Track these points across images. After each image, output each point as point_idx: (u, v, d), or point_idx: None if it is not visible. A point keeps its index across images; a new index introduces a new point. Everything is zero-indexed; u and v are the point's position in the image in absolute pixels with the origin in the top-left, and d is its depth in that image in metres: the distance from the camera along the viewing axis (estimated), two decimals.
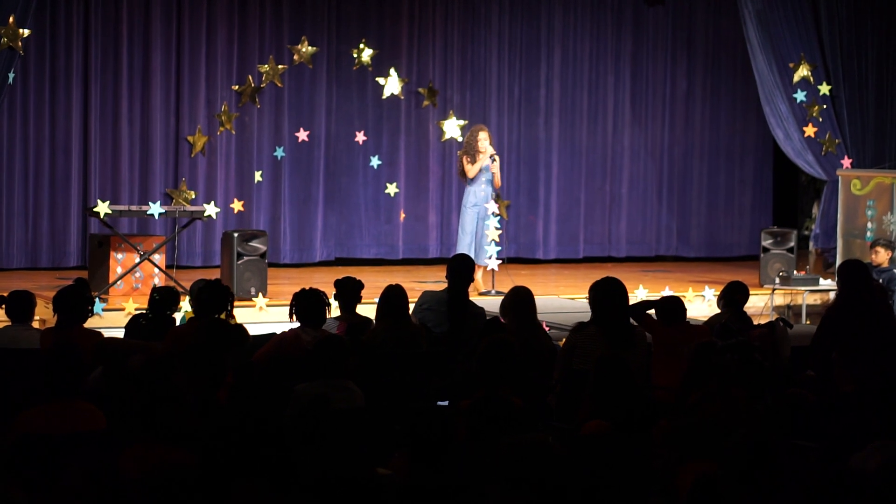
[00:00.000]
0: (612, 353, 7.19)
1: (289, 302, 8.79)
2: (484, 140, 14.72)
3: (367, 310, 9.70)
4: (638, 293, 14.59)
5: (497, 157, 14.87)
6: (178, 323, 9.26)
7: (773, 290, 15.01)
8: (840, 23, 17.40)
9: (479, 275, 14.52)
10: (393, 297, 9.13)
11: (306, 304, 8.60)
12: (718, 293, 10.24)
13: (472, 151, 14.74)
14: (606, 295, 8.32)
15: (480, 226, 14.74)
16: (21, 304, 9.03)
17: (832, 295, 14.04)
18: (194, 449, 5.34)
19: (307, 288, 8.74)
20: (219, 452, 4.93)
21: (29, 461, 5.94)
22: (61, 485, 5.10)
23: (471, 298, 9.91)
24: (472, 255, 14.23)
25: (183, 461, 5.35)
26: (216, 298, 8.74)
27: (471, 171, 14.69)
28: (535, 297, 9.06)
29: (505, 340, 7.18)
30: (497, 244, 14.80)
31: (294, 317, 8.64)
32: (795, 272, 15.40)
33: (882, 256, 14.06)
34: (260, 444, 5.05)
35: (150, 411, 5.69)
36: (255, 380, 7.73)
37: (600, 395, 6.84)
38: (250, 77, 16.92)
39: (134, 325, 9.30)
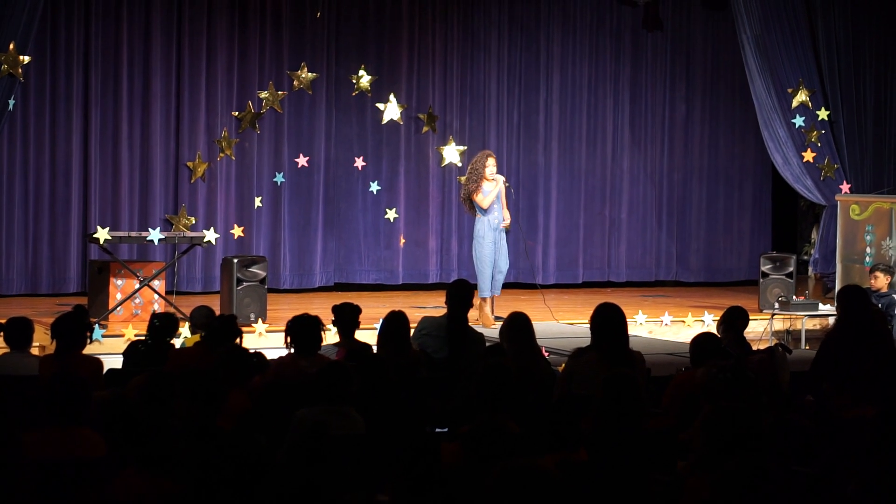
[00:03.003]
0: (620, 371, 7.18)
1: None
2: (492, 167, 14.23)
3: (365, 335, 9.69)
4: (638, 318, 14.61)
5: (508, 184, 14.60)
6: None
7: (773, 315, 15.00)
8: (838, 48, 17.45)
9: (487, 307, 14.21)
10: (396, 324, 9.11)
11: (300, 331, 8.59)
12: (718, 318, 10.24)
13: (477, 178, 14.21)
14: (605, 321, 8.33)
15: (498, 256, 14.27)
16: (19, 331, 9.03)
17: (831, 320, 14.05)
18: (186, 478, 5.32)
19: (301, 315, 8.72)
20: (215, 480, 4.93)
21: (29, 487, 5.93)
22: None
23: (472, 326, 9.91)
24: (491, 287, 14.17)
25: (172, 490, 5.34)
26: (227, 331, 8.71)
27: (485, 201, 14.12)
28: (535, 322, 9.06)
29: (502, 366, 7.16)
30: None
31: (289, 344, 8.63)
32: (795, 297, 15.40)
33: (881, 281, 14.07)
34: (259, 471, 5.05)
35: (144, 438, 5.68)
36: (254, 406, 7.72)
37: (605, 415, 6.83)
38: (250, 103, 16.95)
39: (133, 351, 9.31)
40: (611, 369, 7.37)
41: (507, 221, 14.37)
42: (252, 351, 8.63)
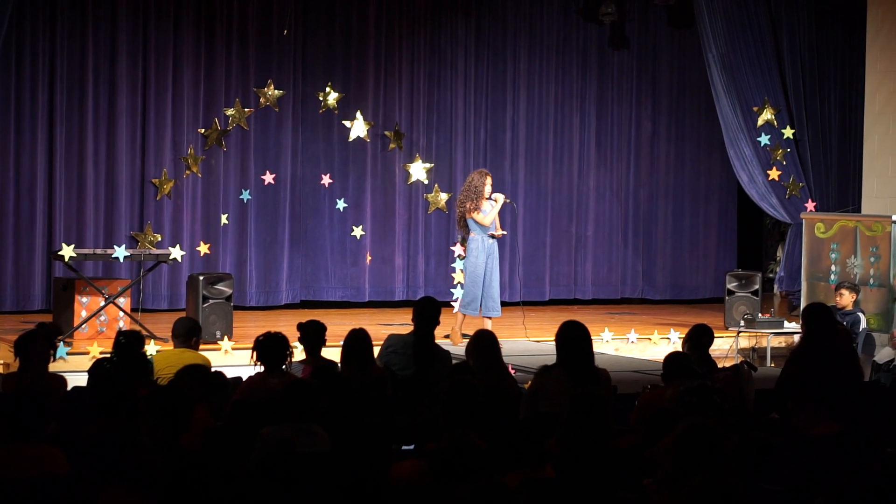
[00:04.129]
0: (588, 390, 7.20)
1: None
2: (490, 185, 14.15)
3: (331, 353, 9.68)
4: (604, 336, 14.63)
5: (509, 200, 14.62)
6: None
7: (738, 332, 15.05)
8: (803, 67, 17.55)
9: (458, 324, 14.21)
10: (357, 342, 9.11)
11: (267, 349, 8.59)
12: (684, 336, 10.26)
13: (476, 197, 14.07)
14: (570, 338, 8.34)
15: (489, 277, 14.14)
16: None
17: (797, 338, 14.09)
18: (157, 496, 5.30)
19: (268, 332, 8.72)
20: (182, 499, 4.91)
21: None
22: None
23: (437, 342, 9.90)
24: (481, 309, 14.09)
25: None
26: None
27: (486, 219, 14.02)
28: (501, 339, 9.06)
29: (468, 383, 7.16)
30: (462, 287, 14.78)
31: (257, 362, 8.62)
32: (760, 315, 15.45)
33: (846, 299, 14.13)
34: (228, 489, 5.03)
35: (114, 456, 5.66)
36: (224, 424, 7.70)
37: (573, 433, 6.83)
38: (216, 120, 16.92)
39: (98, 368, 9.24)
40: (578, 388, 7.39)
41: (500, 233, 14.29)
42: (214, 370, 8.61)
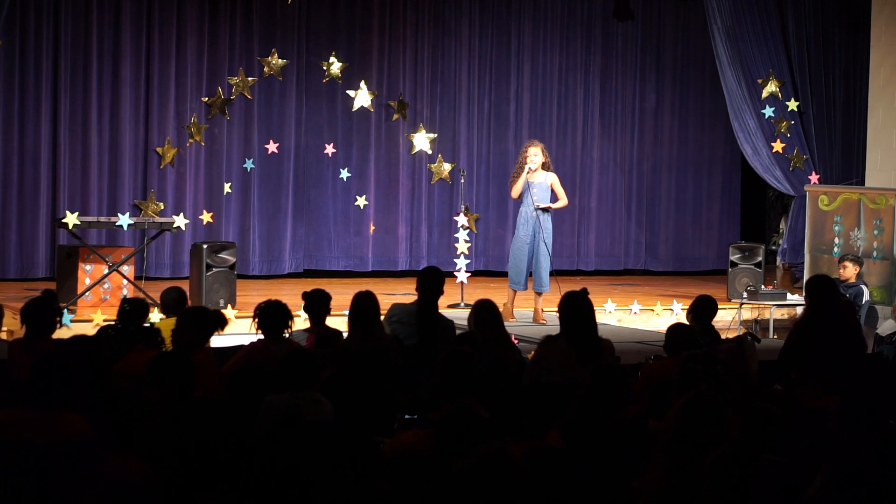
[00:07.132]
0: (608, 364, 7.21)
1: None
2: (534, 155, 13.62)
3: (336, 322, 9.69)
4: (607, 307, 14.65)
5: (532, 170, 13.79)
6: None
7: (741, 304, 15.06)
8: (808, 39, 17.51)
9: (539, 304, 13.75)
10: (364, 304, 9.08)
11: (268, 317, 8.59)
12: (687, 307, 10.28)
13: (519, 168, 13.70)
14: (573, 309, 8.35)
15: (537, 250, 13.64)
16: None
17: (800, 310, 14.11)
18: (162, 463, 5.32)
19: (268, 300, 8.73)
20: (188, 465, 4.93)
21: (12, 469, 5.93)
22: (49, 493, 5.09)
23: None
24: (531, 283, 13.78)
25: (148, 475, 5.33)
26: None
27: (514, 190, 13.69)
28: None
29: (463, 352, 7.10)
30: (466, 257, 14.78)
31: (258, 329, 8.63)
32: (763, 287, 15.47)
33: (850, 271, 14.14)
34: (230, 456, 5.05)
35: (124, 423, 5.68)
36: (225, 391, 7.73)
37: (589, 404, 6.85)
38: (220, 89, 16.91)
39: (103, 335, 9.26)
40: (582, 359, 7.40)
41: (546, 204, 13.67)
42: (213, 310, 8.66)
